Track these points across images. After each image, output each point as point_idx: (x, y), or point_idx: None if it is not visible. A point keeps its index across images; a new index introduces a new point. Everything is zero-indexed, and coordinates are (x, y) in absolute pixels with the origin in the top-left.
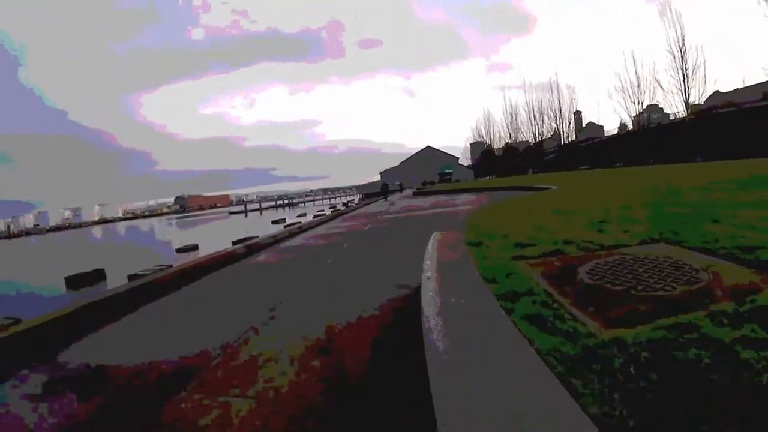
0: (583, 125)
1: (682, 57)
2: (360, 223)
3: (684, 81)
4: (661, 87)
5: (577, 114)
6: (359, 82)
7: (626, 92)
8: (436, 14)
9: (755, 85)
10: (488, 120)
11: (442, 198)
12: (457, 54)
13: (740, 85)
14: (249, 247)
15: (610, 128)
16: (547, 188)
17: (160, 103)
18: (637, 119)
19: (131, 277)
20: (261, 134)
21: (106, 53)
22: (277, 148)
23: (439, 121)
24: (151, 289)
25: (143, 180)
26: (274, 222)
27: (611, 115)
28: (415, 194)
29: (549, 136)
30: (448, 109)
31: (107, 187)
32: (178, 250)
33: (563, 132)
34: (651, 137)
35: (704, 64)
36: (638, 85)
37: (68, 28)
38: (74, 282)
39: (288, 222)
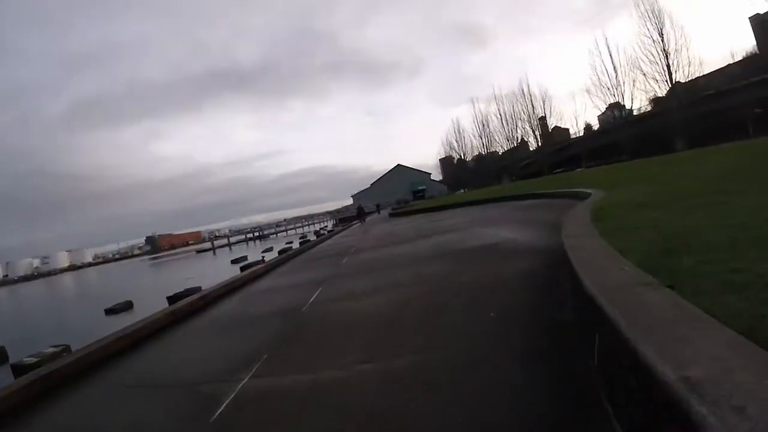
0: (549, 129)
1: (662, 39)
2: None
3: (667, 66)
4: (643, 72)
5: (542, 119)
6: (320, 108)
7: (603, 85)
8: (391, 33)
9: (713, 72)
10: (459, 131)
11: (424, 221)
12: (418, 70)
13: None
14: None
15: (576, 130)
16: (586, 192)
17: (115, 143)
18: (601, 118)
19: (14, 368)
20: (228, 168)
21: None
22: (246, 179)
23: (408, 139)
24: None
25: (111, 222)
26: (234, 261)
27: (590, 111)
28: (392, 216)
29: (518, 143)
30: (416, 127)
31: (74, 231)
32: (108, 311)
33: (535, 137)
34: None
35: (686, 45)
36: (616, 75)
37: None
38: None
39: (248, 261)
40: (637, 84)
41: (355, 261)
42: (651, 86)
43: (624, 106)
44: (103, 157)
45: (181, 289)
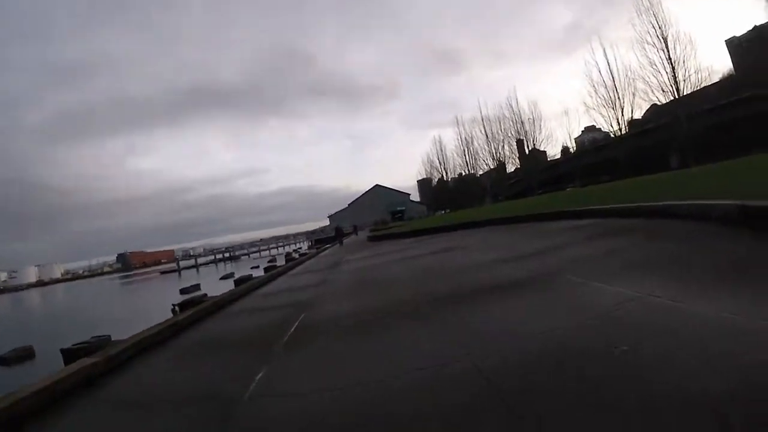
0: (527, 152)
1: (666, 48)
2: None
3: (673, 75)
4: (648, 83)
5: (519, 142)
6: (298, 128)
7: (601, 97)
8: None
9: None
10: (441, 150)
11: (420, 250)
12: (396, 94)
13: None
14: None
15: (553, 153)
16: None
17: (92, 156)
18: (578, 140)
19: None
20: (206, 185)
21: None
22: (223, 197)
23: (386, 161)
24: None
25: (85, 236)
26: (183, 291)
27: (587, 125)
28: (372, 239)
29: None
30: (394, 149)
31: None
32: (1, 361)
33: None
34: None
35: (693, 52)
36: (615, 87)
37: None
38: None
39: (199, 292)
40: (637, 95)
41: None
42: (656, 97)
43: (600, 129)
44: (79, 169)
45: (88, 337)
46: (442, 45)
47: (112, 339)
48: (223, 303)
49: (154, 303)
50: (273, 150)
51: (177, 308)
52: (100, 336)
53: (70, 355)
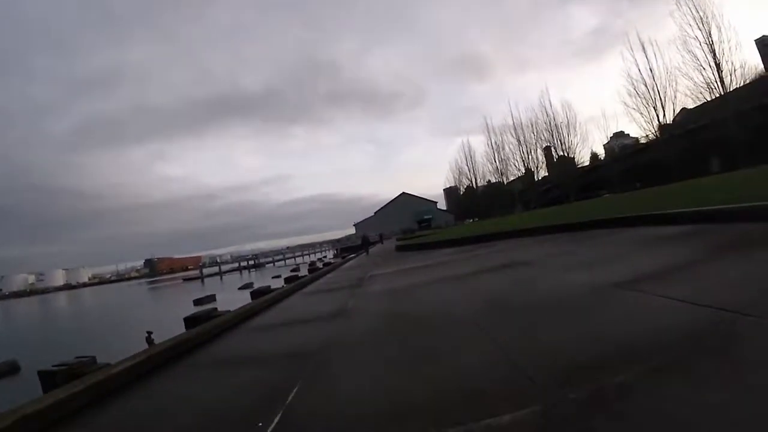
0: (554, 158)
1: (709, 40)
2: None
3: (718, 70)
4: (692, 78)
5: (547, 149)
6: (323, 136)
7: (641, 94)
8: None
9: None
10: (470, 155)
11: (489, 268)
12: (421, 101)
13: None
14: None
15: (582, 160)
16: None
17: (119, 163)
18: (607, 147)
19: None
20: (233, 192)
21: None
22: (250, 205)
23: (412, 169)
24: None
25: (113, 242)
26: (197, 302)
27: (627, 127)
28: (401, 249)
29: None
30: (420, 157)
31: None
32: None
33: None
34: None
35: (737, 45)
36: (655, 86)
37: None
38: None
39: (215, 303)
40: (680, 93)
41: None
42: (701, 95)
43: (628, 134)
44: (106, 176)
45: (72, 358)
46: (466, 51)
47: (98, 361)
48: (197, 341)
49: (161, 314)
50: (298, 158)
51: (152, 337)
52: (83, 357)
53: (47, 377)
